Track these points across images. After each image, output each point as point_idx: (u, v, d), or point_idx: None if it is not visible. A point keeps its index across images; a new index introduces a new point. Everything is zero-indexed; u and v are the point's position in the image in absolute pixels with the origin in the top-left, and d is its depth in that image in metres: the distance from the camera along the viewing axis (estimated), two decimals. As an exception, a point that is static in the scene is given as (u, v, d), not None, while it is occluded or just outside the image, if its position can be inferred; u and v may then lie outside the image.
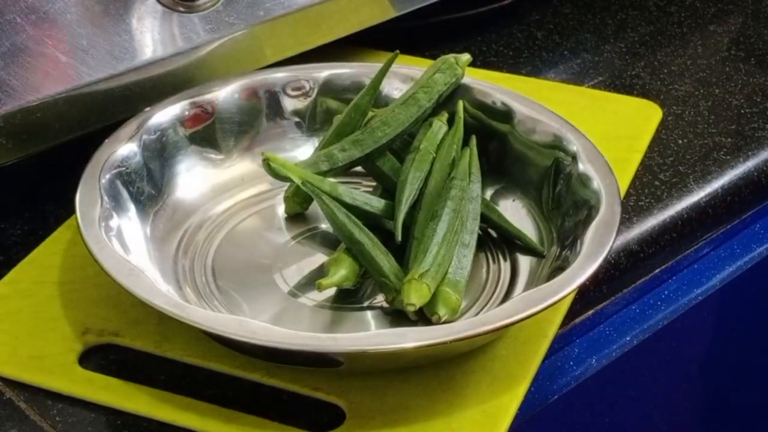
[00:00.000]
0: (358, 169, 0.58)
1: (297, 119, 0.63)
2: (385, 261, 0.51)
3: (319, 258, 0.55)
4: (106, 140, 0.56)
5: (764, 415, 0.82)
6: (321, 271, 0.53)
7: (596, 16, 0.81)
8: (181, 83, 0.61)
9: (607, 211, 0.52)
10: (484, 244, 0.56)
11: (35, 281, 0.53)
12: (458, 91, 0.60)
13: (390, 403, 0.47)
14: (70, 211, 0.53)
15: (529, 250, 0.55)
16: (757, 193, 0.65)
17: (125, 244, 0.52)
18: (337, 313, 0.52)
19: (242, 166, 0.61)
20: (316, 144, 0.61)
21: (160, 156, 0.58)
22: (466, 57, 0.60)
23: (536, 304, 0.46)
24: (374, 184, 0.59)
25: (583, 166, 0.55)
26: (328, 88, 0.63)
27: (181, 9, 0.62)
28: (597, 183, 0.53)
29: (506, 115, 0.59)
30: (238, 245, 0.56)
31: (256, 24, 0.64)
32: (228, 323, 0.46)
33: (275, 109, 0.62)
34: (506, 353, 0.49)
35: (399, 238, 0.52)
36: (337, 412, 0.47)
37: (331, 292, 0.53)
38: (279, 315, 0.52)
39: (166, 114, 0.59)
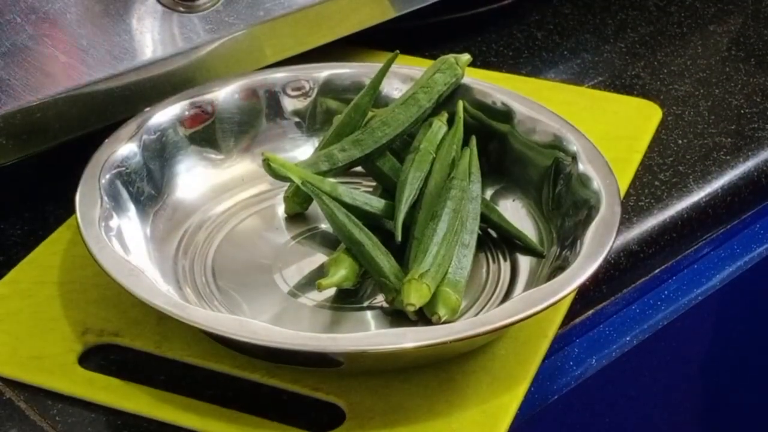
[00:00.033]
0: (358, 169, 0.58)
1: (297, 119, 0.63)
2: (385, 261, 0.51)
3: (319, 258, 0.55)
4: (106, 140, 0.56)
5: (764, 415, 0.82)
6: (321, 271, 0.53)
7: (596, 16, 0.81)
8: (181, 83, 0.61)
9: (607, 211, 0.52)
10: (484, 244, 0.56)
11: (35, 281, 0.53)
12: (458, 91, 0.60)
13: (390, 403, 0.47)
14: (70, 211, 0.53)
15: (529, 250, 0.55)
16: (757, 193, 0.65)
17: (125, 244, 0.52)
18: (337, 313, 0.52)
19: (242, 166, 0.61)
20: (316, 144, 0.61)
21: (160, 156, 0.58)
22: (466, 57, 0.60)
23: (536, 304, 0.46)
24: (374, 184, 0.59)
25: (583, 166, 0.55)
26: (328, 88, 0.63)
27: (181, 9, 0.62)
28: (597, 183, 0.53)
29: (506, 115, 0.59)
30: (238, 245, 0.56)
31: (256, 24, 0.64)
32: (228, 323, 0.46)
33: (275, 109, 0.62)
34: (506, 353, 0.49)
35: (399, 238, 0.52)
36: (337, 412, 0.47)
37: (331, 292, 0.53)
38: (279, 315, 0.52)
39: (166, 114, 0.59)
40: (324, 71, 0.63)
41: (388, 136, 0.57)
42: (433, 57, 0.64)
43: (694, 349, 0.71)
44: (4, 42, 0.56)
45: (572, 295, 0.53)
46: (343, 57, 0.67)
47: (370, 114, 0.58)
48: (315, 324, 0.51)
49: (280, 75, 0.63)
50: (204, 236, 0.56)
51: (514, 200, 0.58)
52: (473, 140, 0.58)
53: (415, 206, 0.54)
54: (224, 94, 0.61)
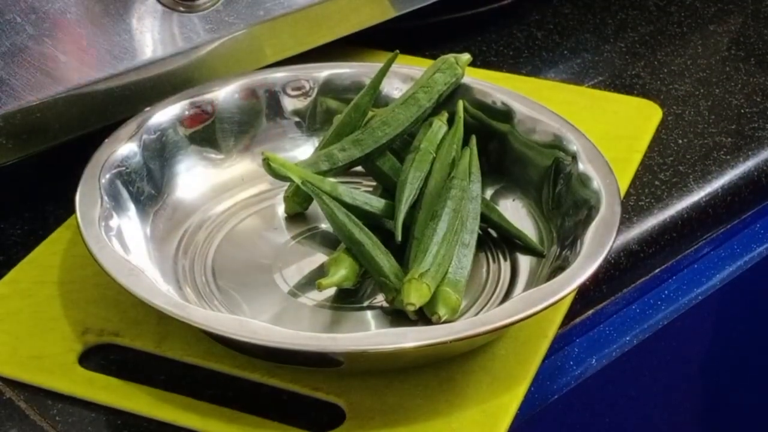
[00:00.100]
0: (358, 169, 0.58)
1: (297, 119, 0.63)
2: (385, 261, 0.51)
3: (319, 258, 0.55)
4: (106, 140, 0.56)
5: (764, 415, 0.82)
6: (321, 271, 0.53)
7: (596, 16, 0.81)
8: (181, 83, 0.61)
9: (607, 210, 0.52)
10: (484, 244, 0.56)
11: (35, 281, 0.53)
12: (458, 91, 0.60)
13: (390, 403, 0.47)
14: (70, 211, 0.53)
15: (529, 250, 0.55)
16: (757, 193, 0.65)
17: (125, 244, 0.52)
18: (337, 313, 0.52)
19: (242, 166, 0.61)
20: (316, 144, 0.61)
21: (160, 156, 0.58)
22: (466, 57, 0.60)
23: (536, 304, 0.46)
24: (374, 184, 0.59)
25: (583, 166, 0.55)
26: (328, 88, 0.63)
27: (181, 9, 0.62)
28: (597, 183, 0.53)
29: (506, 114, 0.59)
30: (238, 245, 0.56)
31: (256, 24, 0.64)
32: (228, 323, 0.46)
33: (275, 109, 0.62)
34: (506, 353, 0.49)
35: (399, 237, 0.52)
36: (337, 412, 0.47)
37: (331, 292, 0.53)
38: (279, 315, 0.52)
39: (166, 114, 0.59)
40: (324, 71, 0.63)
41: (388, 136, 0.57)
42: (433, 57, 0.64)
43: (694, 349, 0.71)
44: (4, 42, 0.56)
45: (572, 295, 0.53)
46: (343, 57, 0.67)
47: (370, 114, 0.58)
48: (315, 324, 0.51)
49: (280, 75, 0.63)
50: (204, 236, 0.56)
51: (514, 200, 0.58)
52: (473, 140, 0.58)
53: (415, 206, 0.54)
54: (224, 93, 0.61)
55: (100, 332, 0.50)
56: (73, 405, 0.47)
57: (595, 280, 0.55)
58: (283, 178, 0.54)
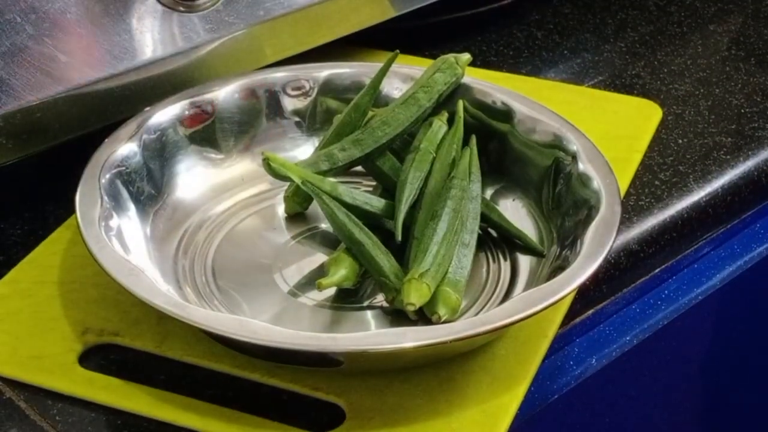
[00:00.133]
0: (358, 169, 0.58)
1: (297, 119, 0.63)
2: (385, 261, 0.51)
3: (319, 258, 0.55)
4: (106, 140, 0.56)
5: (764, 415, 0.82)
6: (321, 271, 0.53)
7: (596, 16, 0.81)
8: (181, 83, 0.61)
9: (607, 210, 0.52)
10: (484, 243, 0.56)
11: (35, 281, 0.53)
12: (458, 90, 0.60)
13: (390, 403, 0.47)
14: (70, 211, 0.53)
15: (529, 249, 0.55)
16: (757, 193, 0.65)
17: (125, 244, 0.52)
18: (337, 313, 0.52)
19: (242, 165, 0.61)
20: (316, 144, 0.61)
21: (160, 156, 0.58)
22: (466, 57, 0.60)
23: (536, 304, 0.46)
24: (374, 183, 0.59)
25: (583, 166, 0.55)
26: (328, 88, 0.63)
27: (181, 9, 0.62)
28: (597, 183, 0.53)
29: (506, 114, 0.59)
30: (238, 245, 0.56)
31: (256, 24, 0.64)
32: (228, 323, 0.46)
33: (275, 109, 0.62)
34: (506, 353, 0.49)
35: (399, 237, 0.52)
36: (337, 412, 0.47)
37: (331, 291, 0.53)
38: (279, 315, 0.52)
39: (166, 114, 0.59)
40: (324, 71, 0.63)
41: (389, 136, 0.57)
42: (433, 57, 0.64)
43: (694, 349, 0.71)
44: (4, 42, 0.56)
45: (572, 295, 0.53)
46: (343, 57, 0.67)
47: (370, 113, 0.58)
48: (315, 324, 0.51)
49: (280, 75, 0.63)
50: (204, 236, 0.56)
51: (514, 200, 0.58)
52: (473, 140, 0.58)
53: (415, 206, 0.54)
54: (224, 93, 0.61)
55: (100, 332, 0.50)
56: (73, 405, 0.47)
57: (595, 280, 0.55)
58: (283, 178, 0.54)
